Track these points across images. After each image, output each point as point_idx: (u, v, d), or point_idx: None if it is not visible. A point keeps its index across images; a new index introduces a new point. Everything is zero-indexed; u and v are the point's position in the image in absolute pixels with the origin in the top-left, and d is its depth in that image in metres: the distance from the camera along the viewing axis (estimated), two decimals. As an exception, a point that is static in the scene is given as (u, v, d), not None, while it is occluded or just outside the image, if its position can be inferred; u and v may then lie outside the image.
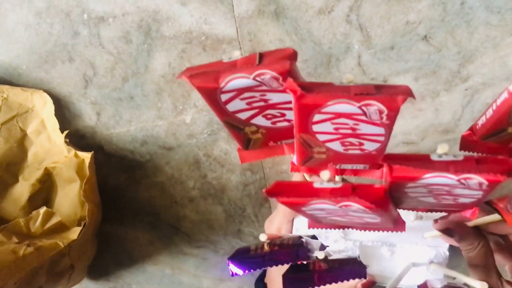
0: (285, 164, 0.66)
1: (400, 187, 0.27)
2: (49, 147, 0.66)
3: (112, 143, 0.67)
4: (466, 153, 0.32)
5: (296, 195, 0.26)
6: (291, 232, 0.49)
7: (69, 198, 0.66)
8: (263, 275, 0.51)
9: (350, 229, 0.37)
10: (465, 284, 0.36)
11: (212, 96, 0.26)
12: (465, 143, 0.33)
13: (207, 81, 0.25)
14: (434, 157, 0.26)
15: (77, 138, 0.67)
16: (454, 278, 0.39)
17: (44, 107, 0.64)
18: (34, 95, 0.64)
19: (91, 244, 0.67)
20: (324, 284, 0.34)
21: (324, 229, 0.37)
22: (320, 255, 0.36)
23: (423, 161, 0.26)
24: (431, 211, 0.35)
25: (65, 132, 0.64)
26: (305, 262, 0.36)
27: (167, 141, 0.66)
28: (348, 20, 0.60)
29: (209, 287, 0.70)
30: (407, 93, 0.23)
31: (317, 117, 0.25)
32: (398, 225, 0.34)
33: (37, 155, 0.66)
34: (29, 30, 0.63)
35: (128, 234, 0.70)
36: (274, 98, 0.27)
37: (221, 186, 0.67)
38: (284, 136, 0.33)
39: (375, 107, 0.23)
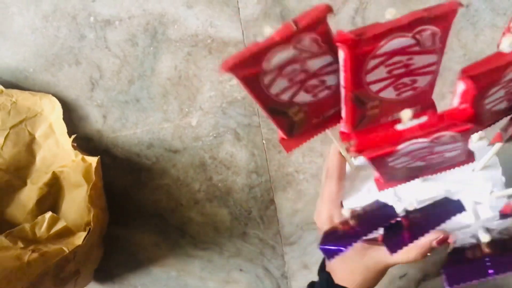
0: (290, 167, 0.66)
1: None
2: (57, 151, 0.66)
3: (118, 146, 0.67)
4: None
5: (384, 144, 0.26)
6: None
7: (76, 203, 0.66)
8: (323, 264, 0.49)
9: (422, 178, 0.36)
10: None
11: (256, 83, 0.26)
12: None
13: (249, 67, 0.25)
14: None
15: (84, 141, 0.67)
16: None
17: (53, 111, 0.64)
18: (43, 99, 0.64)
19: (97, 248, 0.67)
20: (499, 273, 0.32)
21: (396, 187, 0.36)
22: (484, 238, 0.34)
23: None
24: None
25: (73, 136, 0.64)
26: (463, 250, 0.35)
27: (173, 143, 0.66)
28: (354, 22, 0.60)
29: (215, 289, 0.70)
30: (455, 7, 0.23)
31: (371, 63, 0.25)
32: (470, 156, 0.33)
33: (45, 159, 0.66)
34: (36, 34, 0.64)
35: (133, 237, 0.70)
36: (314, 64, 0.27)
37: (227, 189, 0.67)
38: (326, 107, 0.32)
39: (428, 31, 0.23)
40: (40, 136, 0.65)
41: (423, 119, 0.26)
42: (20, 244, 0.58)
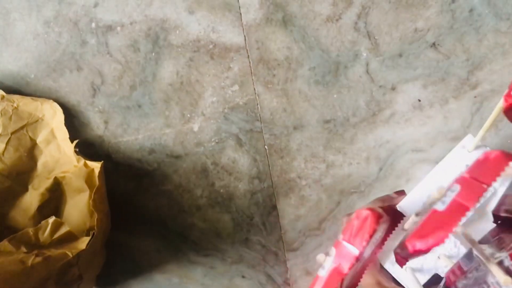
0: (293, 172, 0.65)
1: None
2: (58, 156, 0.66)
3: (120, 152, 0.67)
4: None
5: (444, 228, 0.27)
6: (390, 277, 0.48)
7: (78, 208, 0.66)
8: None
9: None
10: None
11: None
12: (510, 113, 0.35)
13: None
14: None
15: (85, 147, 0.67)
16: None
17: (54, 117, 0.64)
18: (44, 104, 0.64)
19: (99, 253, 0.67)
20: None
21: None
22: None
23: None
24: None
25: (75, 141, 0.64)
26: None
27: (175, 149, 0.66)
28: (356, 27, 0.60)
29: (217, 296, 0.70)
30: None
31: None
32: None
33: (46, 164, 0.66)
34: (37, 39, 0.64)
35: (135, 243, 0.70)
36: None
37: (229, 195, 0.67)
38: None
39: None
40: (41, 142, 0.65)
41: (456, 189, 0.27)
42: (24, 249, 0.58)
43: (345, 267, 0.26)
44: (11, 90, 0.65)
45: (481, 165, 0.28)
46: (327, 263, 0.27)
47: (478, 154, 0.43)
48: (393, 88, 0.62)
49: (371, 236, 0.25)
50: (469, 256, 0.35)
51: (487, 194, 0.27)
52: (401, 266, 0.43)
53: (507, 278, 0.25)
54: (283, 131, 0.64)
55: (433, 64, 0.61)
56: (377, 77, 0.62)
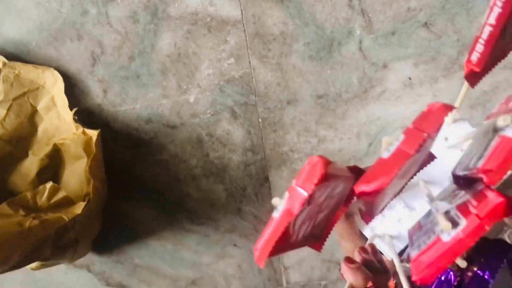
0: (285, 146, 0.67)
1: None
2: (58, 123, 0.67)
3: (118, 121, 0.69)
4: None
5: (387, 172, 0.29)
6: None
7: (76, 174, 0.68)
8: None
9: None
10: None
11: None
12: (472, 78, 0.37)
13: None
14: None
15: (85, 115, 0.69)
16: None
17: (55, 85, 0.66)
18: (45, 72, 0.65)
19: (96, 219, 0.69)
20: None
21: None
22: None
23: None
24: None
25: (74, 109, 0.66)
26: None
27: (171, 119, 0.68)
28: (351, 5, 0.62)
29: (209, 263, 0.72)
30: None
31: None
32: (431, 155, 0.39)
33: (46, 131, 0.67)
34: (39, 8, 0.65)
35: (132, 211, 0.72)
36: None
37: (223, 166, 0.69)
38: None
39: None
40: (42, 109, 0.66)
41: (401, 138, 0.29)
42: (22, 212, 0.60)
43: (296, 208, 0.28)
44: (13, 57, 0.66)
45: (425, 116, 0.30)
46: (280, 205, 0.29)
47: (457, 128, 0.45)
48: (385, 66, 0.64)
49: (320, 181, 0.27)
50: (428, 213, 0.38)
51: (428, 142, 0.29)
52: (367, 223, 0.45)
53: (448, 223, 0.28)
54: (277, 105, 0.66)
55: (425, 43, 0.62)
56: (370, 55, 0.63)
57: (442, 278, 0.38)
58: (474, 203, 0.28)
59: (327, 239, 0.41)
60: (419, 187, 0.43)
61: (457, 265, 0.38)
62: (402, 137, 0.30)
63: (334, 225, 0.41)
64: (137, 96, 0.68)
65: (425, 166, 0.40)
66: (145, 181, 0.70)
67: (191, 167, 0.69)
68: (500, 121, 0.34)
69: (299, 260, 0.71)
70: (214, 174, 0.69)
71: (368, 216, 0.42)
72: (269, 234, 0.30)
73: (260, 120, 0.67)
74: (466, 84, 0.39)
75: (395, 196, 0.40)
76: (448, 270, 0.38)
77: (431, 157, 0.41)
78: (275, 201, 0.29)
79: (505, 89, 0.63)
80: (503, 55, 0.39)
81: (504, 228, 0.51)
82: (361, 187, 0.29)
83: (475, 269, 0.38)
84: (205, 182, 0.69)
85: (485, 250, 0.40)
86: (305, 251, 0.68)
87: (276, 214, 0.29)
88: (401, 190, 0.42)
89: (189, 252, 0.72)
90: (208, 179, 0.69)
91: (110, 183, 0.69)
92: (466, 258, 0.39)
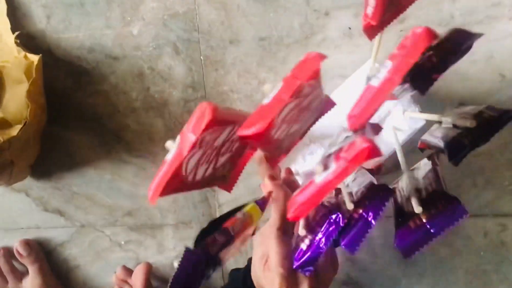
0: (226, 85, 0.69)
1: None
2: (-1, 45, 0.67)
3: (61, 48, 0.69)
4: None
5: (264, 117, 0.31)
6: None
7: (17, 98, 0.68)
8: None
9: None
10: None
11: None
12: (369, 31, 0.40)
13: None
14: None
15: (27, 40, 0.69)
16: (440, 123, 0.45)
17: (-4, 6, 0.65)
18: (-16, -8, 0.65)
19: (33, 143, 0.70)
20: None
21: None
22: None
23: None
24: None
25: (16, 33, 0.65)
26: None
27: (114, 50, 0.68)
28: None
29: (146, 195, 0.74)
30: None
31: None
32: (329, 102, 0.44)
33: (-14, 51, 0.67)
34: None
35: (71, 138, 0.73)
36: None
37: (163, 100, 0.70)
38: None
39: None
40: (-19, 29, 0.66)
41: (279, 86, 0.31)
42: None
43: (185, 151, 0.30)
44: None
45: (301, 65, 0.32)
46: (172, 149, 0.31)
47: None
48: (326, 14, 0.65)
49: (208, 125, 0.29)
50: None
51: (307, 89, 0.32)
52: (272, 167, 0.49)
53: (320, 167, 0.31)
54: (220, 43, 0.67)
55: (365, -7, 0.64)
56: (313, 1, 0.65)
57: (332, 220, 0.41)
58: (346, 148, 0.30)
59: (237, 180, 0.44)
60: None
61: (346, 208, 0.41)
62: (280, 84, 0.32)
63: (243, 167, 0.44)
64: (81, 24, 0.68)
65: (327, 112, 0.43)
66: (85, 110, 0.71)
67: (131, 99, 0.70)
68: (370, 71, 0.37)
69: (234, 198, 0.74)
70: (153, 108, 0.70)
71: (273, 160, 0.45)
72: (160, 175, 0.32)
73: (202, 57, 0.68)
74: (377, 38, 0.41)
75: (300, 138, 0.43)
76: (337, 212, 0.41)
77: (331, 104, 0.44)
78: (168, 144, 0.31)
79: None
80: (401, 9, 0.42)
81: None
82: (241, 132, 0.31)
83: (360, 211, 0.41)
84: (144, 115, 0.71)
85: (370, 194, 0.43)
86: (240, 190, 0.70)
87: (168, 157, 0.31)
88: (304, 134, 0.44)
89: (127, 183, 0.74)
90: (147, 112, 0.71)
91: (49, 109, 0.70)
92: (354, 201, 0.42)
